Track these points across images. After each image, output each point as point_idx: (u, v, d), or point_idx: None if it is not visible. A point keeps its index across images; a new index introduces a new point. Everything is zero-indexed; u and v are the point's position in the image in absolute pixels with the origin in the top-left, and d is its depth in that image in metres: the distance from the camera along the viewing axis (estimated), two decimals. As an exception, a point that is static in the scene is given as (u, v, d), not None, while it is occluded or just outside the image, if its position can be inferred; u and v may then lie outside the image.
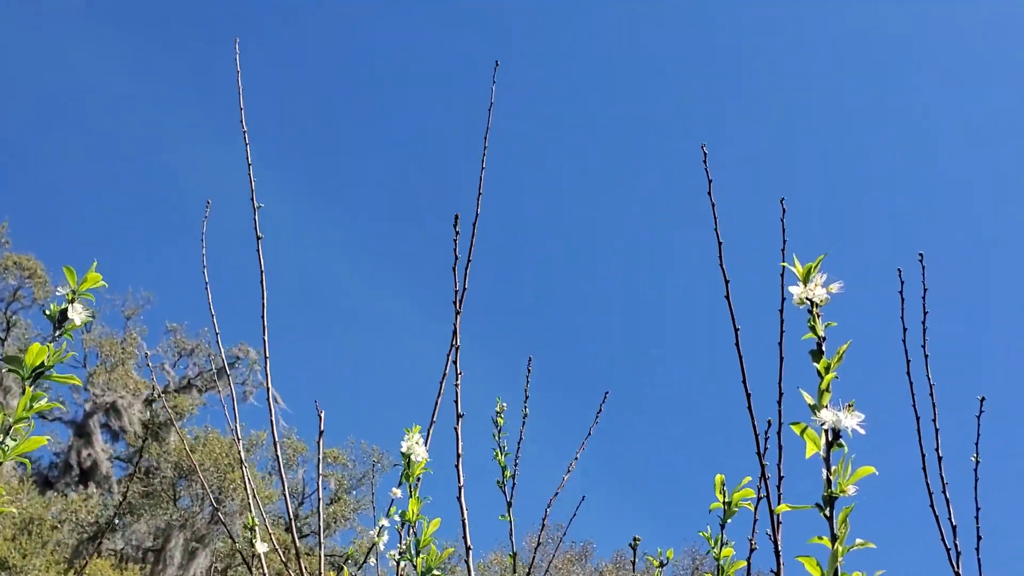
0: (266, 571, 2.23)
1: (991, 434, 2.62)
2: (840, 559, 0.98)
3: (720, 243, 1.99)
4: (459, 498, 1.45)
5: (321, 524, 2.41)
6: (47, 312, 1.15)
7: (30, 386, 1.08)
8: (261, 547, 2.36)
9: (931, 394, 2.51)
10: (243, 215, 2.56)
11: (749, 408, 1.89)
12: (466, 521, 1.41)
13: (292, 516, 2.35)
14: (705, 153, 2.12)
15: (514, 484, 2.50)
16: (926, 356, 2.54)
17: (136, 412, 17.61)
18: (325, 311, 33.65)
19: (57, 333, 1.17)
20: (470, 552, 1.43)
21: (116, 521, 15.34)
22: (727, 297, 1.96)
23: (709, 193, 2.07)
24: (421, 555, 1.50)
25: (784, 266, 2.06)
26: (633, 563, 2.05)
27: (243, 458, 2.76)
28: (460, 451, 1.49)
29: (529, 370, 2.80)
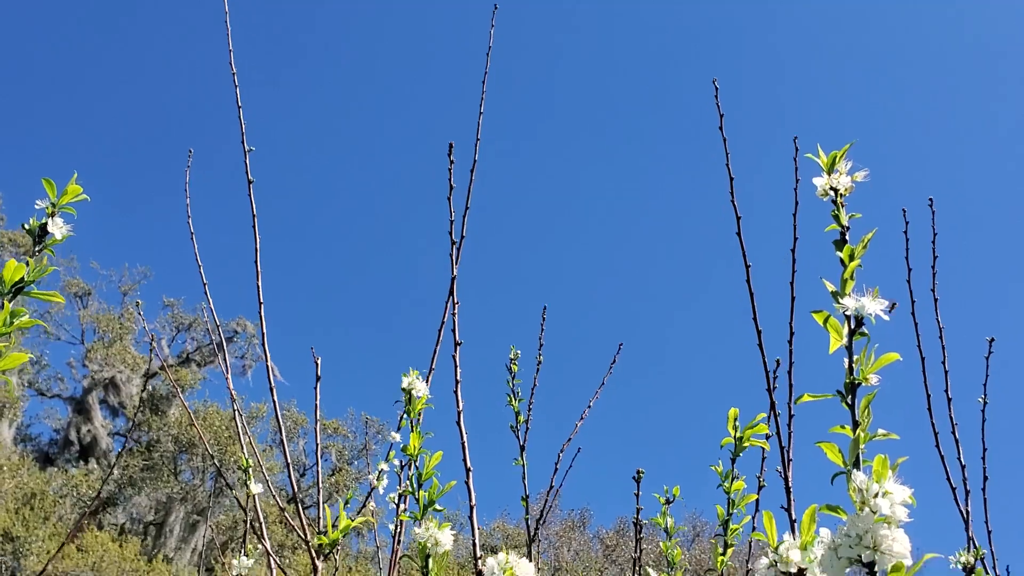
0: (260, 513, 2.20)
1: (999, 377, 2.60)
2: (862, 446, 0.95)
3: (732, 178, 1.96)
4: (458, 422, 1.42)
5: (319, 470, 2.37)
6: (26, 226, 1.10)
7: (9, 302, 1.03)
8: (256, 487, 2.33)
9: (940, 336, 2.48)
10: (239, 193, 2.52)
11: (760, 345, 1.85)
12: (465, 444, 1.38)
13: (289, 462, 2.32)
14: (716, 88, 2.07)
15: (527, 429, 2.49)
16: (936, 299, 2.51)
17: (135, 387, 17.60)
18: (322, 277, 33.66)
19: (37, 248, 1.11)
20: (470, 474, 1.40)
21: (103, 489, 15.39)
22: (738, 234, 1.93)
23: (720, 128, 2.03)
24: (423, 489, 1.47)
25: (797, 202, 2.03)
26: (637, 495, 2.02)
27: (241, 413, 2.72)
28: (458, 377, 1.46)
29: (543, 318, 2.78)
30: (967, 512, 2.27)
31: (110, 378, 17.77)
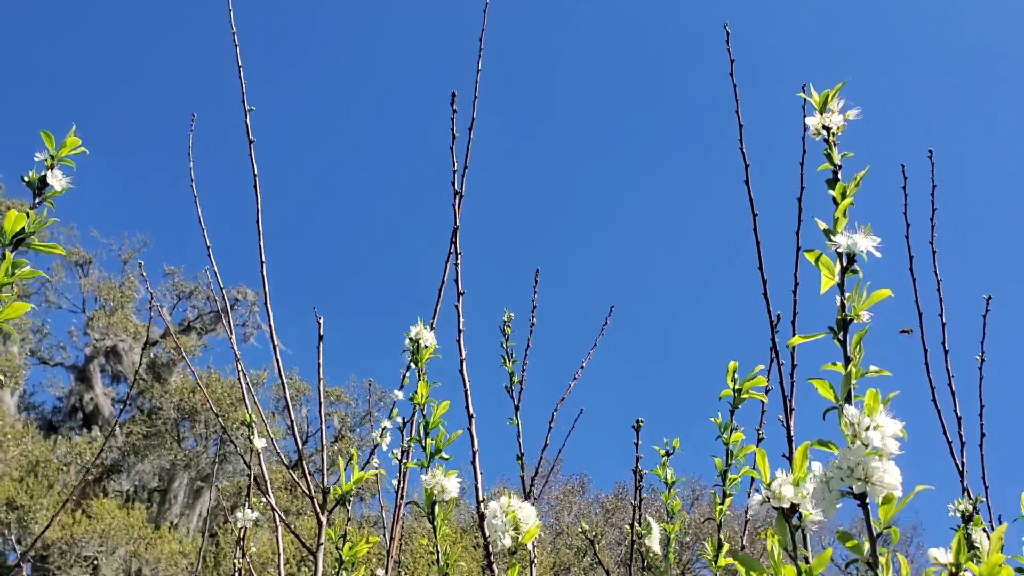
0: (263, 466, 2.22)
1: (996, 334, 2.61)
2: (854, 382, 0.96)
3: (741, 125, 1.96)
4: (461, 371, 1.44)
5: (323, 430, 2.39)
6: (26, 179, 1.10)
7: (11, 253, 1.04)
8: (259, 443, 2.35)
9: (938, 289, 2.49)
10: (240, 157, 2.52)
11: (765, 294, 1.86)
12: (468, 392, 1.40)
13: (293, 420, 2.33)
14: (728, 32, 2.06)
15: (521, 389, 2.52)
16: (934, 252, 2.51)
17: (136, 355, 17.65)
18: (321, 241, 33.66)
19: (37, 200, 1.11)
20: (472, 420, 1.42)
21: (103, 456, 15.47)
22: (747, 182, 1.93)
23: (731, 74, 2.02)
24: (430, 437, 1.49)
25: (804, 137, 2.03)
26: (636, 444, 2.04)
27: (244, 372, 2.74)
28: (461, 327, 1.48)
29: (536, 281, 2.81)
30: (963, 464, 2.29)
31: (111, 346, 17.82)
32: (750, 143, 1.95)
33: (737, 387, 1.80)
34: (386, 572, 2.09)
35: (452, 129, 1.71)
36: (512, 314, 2.59)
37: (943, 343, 2.41)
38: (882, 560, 0.92)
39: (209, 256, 2.67)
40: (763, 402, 1.95)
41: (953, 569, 0.90)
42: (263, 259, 2.42)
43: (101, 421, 17.56)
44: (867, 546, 0.93)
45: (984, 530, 2.09)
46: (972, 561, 0.99)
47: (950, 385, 2.37)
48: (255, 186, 2.45)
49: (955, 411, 2.35)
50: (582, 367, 2.78)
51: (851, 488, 0.92)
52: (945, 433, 2.36)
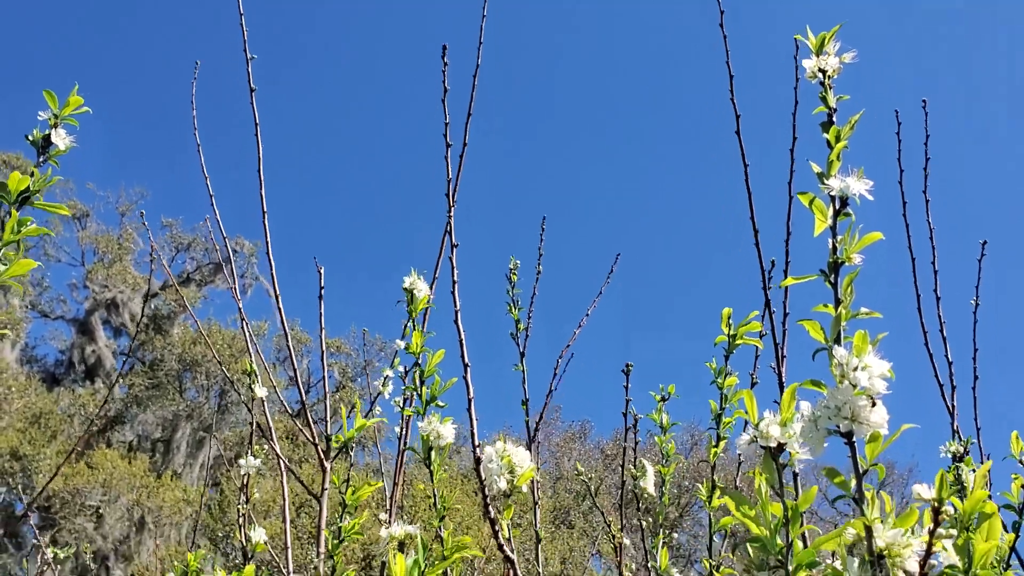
0: (270, 419, 2.27)
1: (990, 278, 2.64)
2: (843, 323, 0.98)
3: (731, 76, 1.96)
4: (456, 321, 1.47)
5: (325, 379, 2.43)
6: (29, 138, 1.12)
7: (16, 211, 1.06)
8: (261, 391, 2.39)
9: (931, 237, 2.51)
10: (241, 107, 2.53)
11: (756, 244, 1.88)
12: (463, 341, 1.44)
13: (296, 371, 2.37)
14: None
15: (527, 336, 2.56)
16: (927, 200, 2.54)
17: (136, 306, 17.70)
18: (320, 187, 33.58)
19: (41, 159, 1.14)
20: (468, 369, 1.45)
21: (106, 407, 15.59)
22: (738, 133, 1.94)
23: (721, 25, 2.02)
24: (425, 385, 1.52)
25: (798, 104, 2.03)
26: (626, 387, 2.08)
27: (246, 320, 2.77)
28: (455, 278, 1.51)
29: (543, 229, 2.83)
30: (953, 407, 2.33)
31: (111, 298, 17.86)
32: (742, 96, 1.96)
33: (732, 333, 1.84)
34: (390, 515, 2.14)
35: (444, 82, 1.72)
36: (518, 261, 2.61)
37: (935, 290, 2.44)
38: (868, 495, 0.95)
39: (212, 204, 2.69)
40: (757, 348, 1.98)
41: (936, 504, 0.93)
42: (264, 208, 2.44)
43: (103, 373, 17.66)
44: (854, 483, 0.96)
45: (973, 469, 2.14)
46: (957, 497, 1.02)
47: (942, 331, 2.40)
48: (256, 134, 2.47)
49: (946, 356, 2.39)
50: (587, 315, 2.82)
51: (838, 427, 0.95)
52: (937, 377, 2.40)
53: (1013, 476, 1.67)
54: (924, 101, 2.64)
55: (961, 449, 1.95)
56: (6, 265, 1.03)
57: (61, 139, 1.15)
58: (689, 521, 17.16)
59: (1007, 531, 1.71)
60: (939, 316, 2.43)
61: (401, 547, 1.35)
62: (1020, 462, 1.68)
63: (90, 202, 19.36)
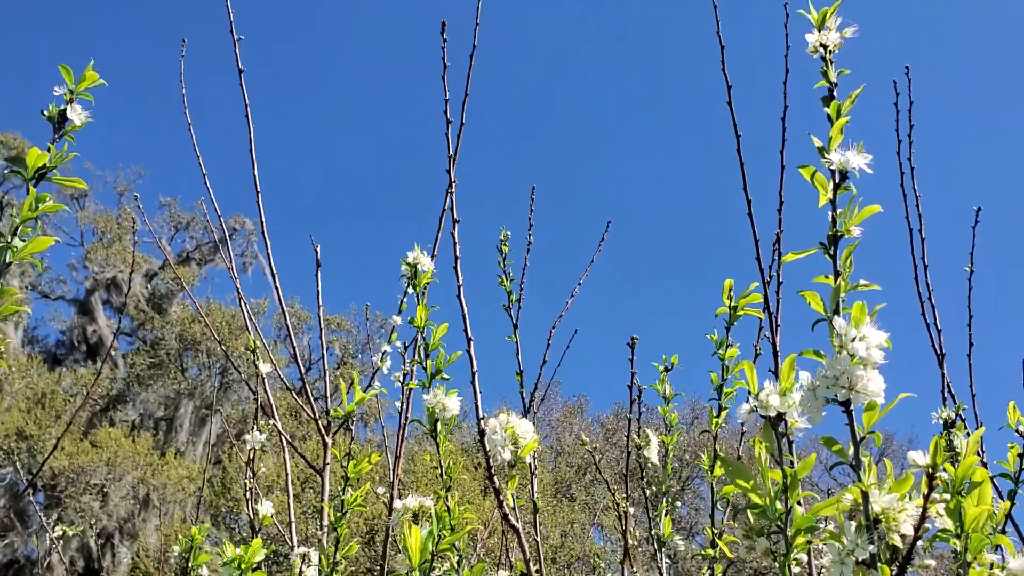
0: (268, 391, 2.29)
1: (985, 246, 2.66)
2: (843, 295, 1.01)
3: (722, 47, 1.97)
4: (459, 296, 1.49)
5: (324, 357, 2.45)
6: (45, 113, 1.14)
7: (34, 188, 1.09)
8: (264, 367, 2.42)
9: (917, 206, 2.54)
10: (232, 92, 2.54)
11: (750, 214, 1.90)
12: (466, 316, 1.46)
13: (296, 348, 2.39)
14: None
15: (520, 308, 2.59)
16: (912, 168, 2.56)
17: (136, 286, 17.72)
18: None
19: (57, 135, 1.16)
20: (471, 343, 1.48)
21: (105, 387, 15.64)
22: (729, 104, 1.94)
23: (712, -3, 2.03)
24: (430, 359, 1.55)
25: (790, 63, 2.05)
26: (631, 359, 2.11)
27: (244, 300, 2.80)
28: (458, 254, 1.53)
29: (532, 199, 2.85)
30: (943, 374, 2.36)
31: (111, 278, 17.87)
32: (737, 67, 1.98)
33: (733, 304, 1.86)
34: (392, 488, 2.18)
35: (443, 59, 1.74)
36: (509, 232, 2.63)
37: (923, 258, 2.47)
38: (864, 462, 0.98)
39: (206, 184, 2.71)
40: (760, 318, 2.00)
41: (930, 470, 0.96)
42: (258, 189, 2.47)
43: (104, 353, 17.70)
44: (851, 450, 0.99)
45: (967, 434, 2.18)
46: (950, 464, 1.05)
47: (930, 299, 2.44)
48: (247, 116, 2.48)
49: (935, 324, 2.42)
50: (579, 283, 2.84)
51: (836, 395, 0.97)
52: (934, 345, 2.44)
53: (1009, 445, 1.70)
54: (907, 68, 2.65)
55: (952, 415, 1.98)
56: (25, 241, 1.06)
57: (77, 114, 1.17)
58: (691, 494, 17.25)
59: (1002, 499, 1.74)
60: (927, 284, 2.46)
61: (414, 519, 1.38)
62: (1017, 432, 1.71)
63: (88, 182, 19.26)
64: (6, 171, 1.14)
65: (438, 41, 1.76)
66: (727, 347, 1.88)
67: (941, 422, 1.98)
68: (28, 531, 14.06)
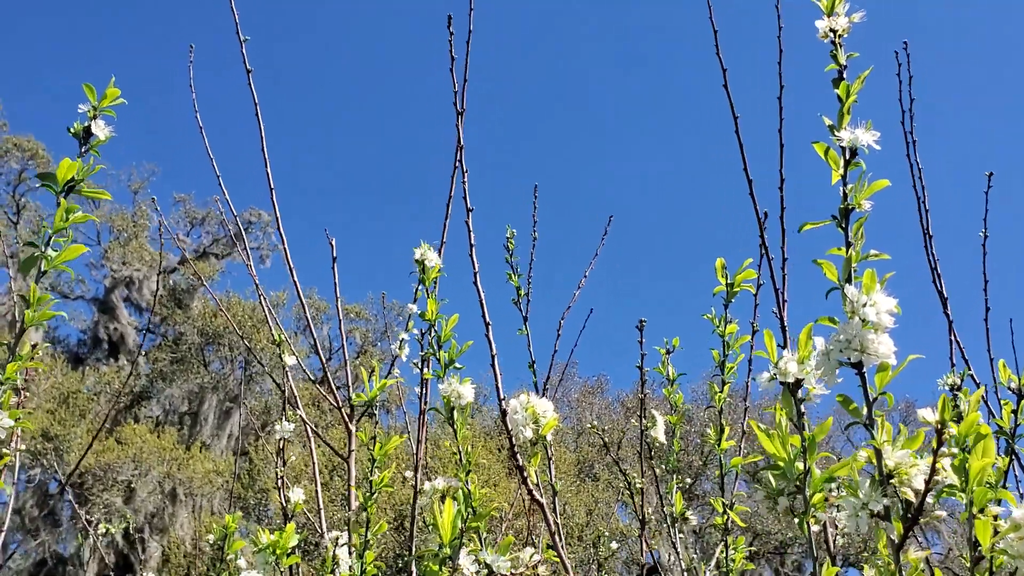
0: (300, 401, 2.36)
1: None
2: (854, 265, 1.07)
3: (715, 31, 2.01)
4: (475, 282, 1.55)
5: (344, 346, 2.52)
6: (71, 130, 1.21)
7: (64, 199, 1.15)
8: (289, 360, 2.49)
9: (920, 177, 2.58)
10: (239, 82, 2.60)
11: (751, 194, 1.95)
12: (483, 301, 1.51)
13: (316, 339, 2.46)
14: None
15: (528, 301, 2.66)
16: (914, 141, 2.60)
17: (155, 283, 17.86)
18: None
19: (83, 149, 1.22)
20: (489, 327, 1.53)
21: (129, 384, 15.79)
22: (725, 87, 1.99)
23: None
24: (443, 350, 1.61)
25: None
26: (640, 342, 2.17)
27: (263, 296, 2.87)
28: (472, 241, 1.58)
29: (535, 196, 2.91)
30: (952, 341, 2.41)
31: (129, 276, 18.02)
32: (733, 49, 2.02)
33: (729, 281, 1.92)
34: (415, 472, 2.24)
35: (450, 51, 1.79)
36: (515, 230, 2.70)
37: (927, 228, 2.51)
38: (878, 421, 1.04)
39: (220, 186, 2.77)
40: (754, 294, 2.05)
41: (939, 426, 1.01)
42: (271, 186, 2.53)
43: (126, 350, 17.87)
44: (865, 410, 1.05)
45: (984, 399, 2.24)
46: (954, 422, 1.10)
47: (936, 268, 2.48)
48: (257, 115, 2.54)
49: (941, 291, 2.47)
50: (585, 276, 2.91)
51: (848, 358, 1.04)
52: (946, 312, 2.49)
53: (1003, 402, 1.76)
54: (905, 43, 2.70)
55: (958, 380, 2.03)
56: (57, 252, 1.13)
57: (101, 130, 1.24)
58: (714, 469, 17.27)
59: (1001, 455, 1.79)
60: (932, 253, 2.50)
61: (443, 500, 1.44)
62: (1009, 389, 1.76)
63: (102, 181, 19.29)
64: (33, 168, 1.20)
65: (443, 22, 1.79)
66: (726, 323, 1.94)
67: (947, 388, 2.04)
68: (58, 530, 14.26)
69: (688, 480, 2.21)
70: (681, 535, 2.10)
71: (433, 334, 1.64)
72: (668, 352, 2.14)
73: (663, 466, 2.15)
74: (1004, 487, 1.73)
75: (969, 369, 2.26)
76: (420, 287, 1.70)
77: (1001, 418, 1.83)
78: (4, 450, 1.16)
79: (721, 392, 1.97)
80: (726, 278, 1.89)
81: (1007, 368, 1.76)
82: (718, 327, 1.93)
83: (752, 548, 13.80)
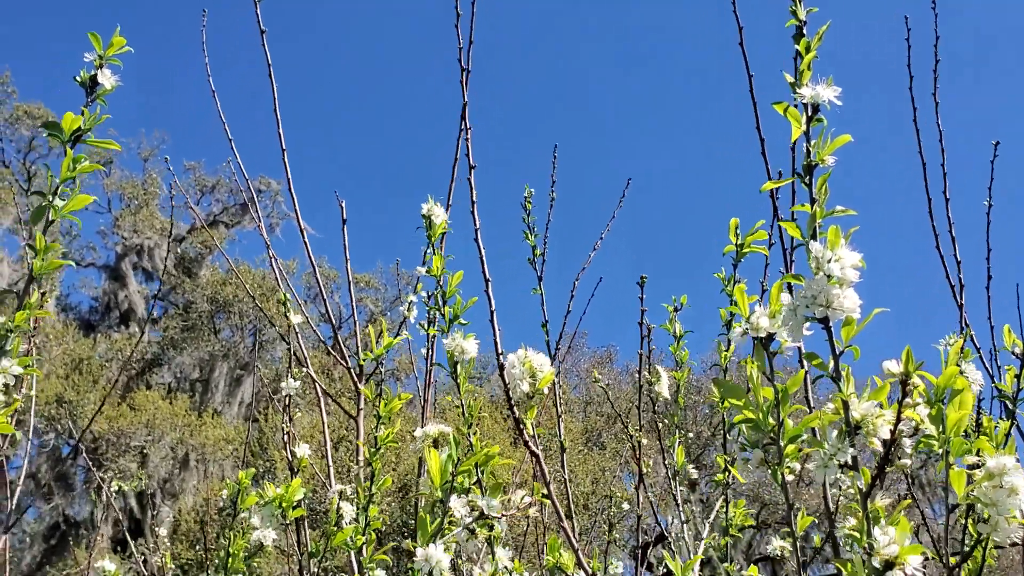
0: (300, 342, 2.38)
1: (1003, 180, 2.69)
2: (819, 220, 1.08)
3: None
4: (476, 239, 1.56)
5: (354, 309, 2.54)
6: (77, 79, 1.21)
7: (71, 149, 1.16)
8: (295, 318, 2.51)
9: (940, 140, 2.57)
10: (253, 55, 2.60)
11: (763, 153, 1.94)
12: (483, 258, 1.52)
13: (327, 304, 2.49)
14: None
15: (544, 261, 2.67)
16: (936, 103, 2.59)
17: (165, 250, 17.92)
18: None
19: (90, 99, 1.23)
20: (489, 284, 1.54)
21: (140, 350, 15.89)
22: (741, 44, 1.98)
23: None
24: (448, 305, 1.62)
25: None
26: (641, 298, 2.18)
27: (275, 258, 2.88)
28: (474, 198, 1.59)
29: (555, 157, 2.92)
30: (961, 305, 2.41)
31: (140, 244, 18.09)
32: (745, 9, 2.01)
33: (739, 242, 1.92)
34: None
35: (456, 7, 1.79)
36: (532, 190, 2.70)
37: (944, 191, 2.51)
38: (844, 374, 1.05)
39: (232, 149, 2.79)
40: (766, 255, 2.06)
41: (903, 377, 1.02)
42: (283, 146, 2.54)
43: (136, 318, 17.96)
44: (831, 363, 1.06)
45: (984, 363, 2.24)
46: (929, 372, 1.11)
47: (951, 231, 2.47)
48: (270, 75, 2.55)
49: (955, 256, 2.46)
50: (601, 238, 2.93)
51: (815, 313, 1.05)
52: (948, 277, 2.48)
53: (1007, 368, 1.76)
54: (933, 2, 2.68)
55: (960, 342, 2.03)
56: (64, 201, 1.14)
57: (107, 79, 1.24)
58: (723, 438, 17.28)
59: (1003, 419, 1.80)
60: (948, 217, 2.50)
61: (435, 445, 1.46)
62: (1013, 354, 1.77)
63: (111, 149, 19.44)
64: (43, 136, 1.21)
65: (443, 22, 1.80)
66: (735, 283, 1.94)
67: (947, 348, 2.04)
68: (72, 494, 14.42)
69: (690, 435, 2.23)
70: (688, 503, 2.12)
71: (439, 289, 1.66)
72: (676, 309, 2.14)
73: (666, 421, 2.17)
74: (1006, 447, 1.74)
75: (967, 334, 2.26)
76: (427, 245, 1.71)
77: (1003, 382, 1.84)
78: (15, 395, 1.18)
79: (727, 351, 1.98)
80: (737, 238, 1.89)
81: (1012, 333, 1.76)
82: (726, 287, 1.94)
83: (760, 518, 13.85)
